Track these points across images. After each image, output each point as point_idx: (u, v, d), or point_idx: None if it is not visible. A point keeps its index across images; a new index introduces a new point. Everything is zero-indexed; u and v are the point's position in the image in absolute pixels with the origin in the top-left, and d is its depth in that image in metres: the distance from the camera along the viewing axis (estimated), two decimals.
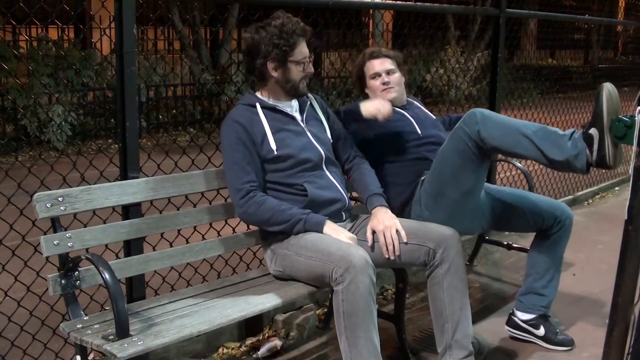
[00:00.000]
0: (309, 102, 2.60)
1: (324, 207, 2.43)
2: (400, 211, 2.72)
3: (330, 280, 2.14)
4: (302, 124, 2.52)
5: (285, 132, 2.44)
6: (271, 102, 2.49)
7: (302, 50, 2.43)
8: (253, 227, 2.62)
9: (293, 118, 2.51)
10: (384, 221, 2.42)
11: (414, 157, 2.82)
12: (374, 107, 2.73)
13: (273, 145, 2.39)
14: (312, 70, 2.49)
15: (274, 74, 2.43)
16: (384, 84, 2.91)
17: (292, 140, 2.44)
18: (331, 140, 2.61)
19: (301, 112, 2.55)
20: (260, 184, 2.39)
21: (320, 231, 2.32)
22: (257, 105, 2.45)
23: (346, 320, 2.11)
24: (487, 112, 2.49)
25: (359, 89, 3.04)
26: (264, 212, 2.33)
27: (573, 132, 2.39)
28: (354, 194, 2.81)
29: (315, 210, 2.40)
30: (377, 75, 2.92)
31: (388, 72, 2.92)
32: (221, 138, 2.42)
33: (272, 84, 2.47)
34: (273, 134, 2.40)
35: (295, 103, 2.55)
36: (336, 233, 2.31)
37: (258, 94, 2.52)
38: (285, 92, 2.48)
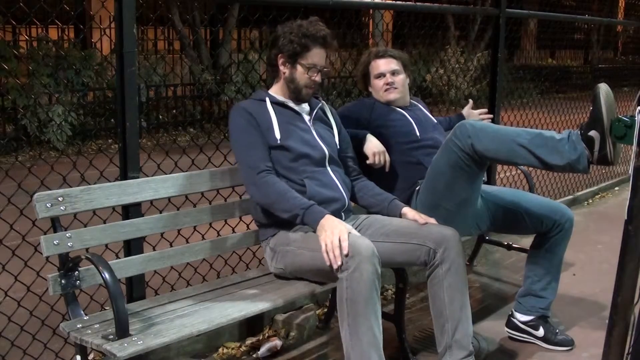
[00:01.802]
0: (320, 105, 2.63)
1: (323, 205, 2.42)
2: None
3: (336, 269, 2.14)
4: (308, 122, 2.54)
5: (291, 126, 2.47)
6: (281, 98, 2.52)
7: (314, 57, 2.46)
8: (253, 227, 2.62)
9: (300, 115, 2.53)
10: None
11: (409, 160, 2.82)
12: (370, 151, 2.73)
13: (277, 135, 2.42)
14: (319, 80, 2.50)
15: (282, 69, 2.49)
16: (387, 84, 2.91)
17: (297, 133, 2.46)
18: (338, 145, 2.61)
19: (311, 112, 2.58)
20: (272, 167, 2.40)
21: (315, 228, 2.24)
22: (267, 99, 2.50)
23: (349, 308, 2.11)
24: (477, 123, 2.47)
25: (363, 86, 3.04)
26: (271, 194, 2.33)
27: (569, 134, 2.37)
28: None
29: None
30: (381, 75, 2.93)
31: (393, 73, 2.92)
32: (229, 125, 2.44)
33: (280, 80, 2.52)
34: (279, 124, 2.44)
35: (305, 104, 2.58)
36: (332, 228, 2.18)
37: (270, 91, 2.55)
38: (290, 92, 2.51)
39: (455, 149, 2.45)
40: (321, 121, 2.60)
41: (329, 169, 2.51)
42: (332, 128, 2.63)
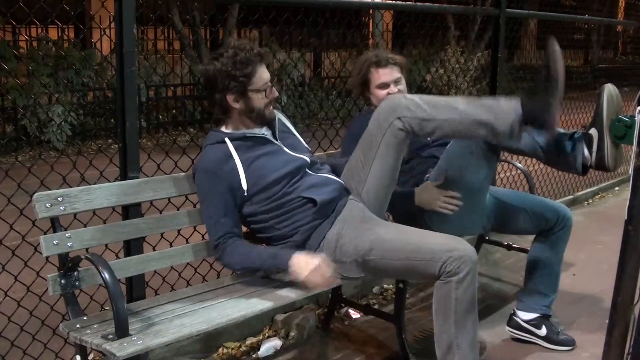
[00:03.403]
0: (277, 118, 2.51)
1: (332, 202, 2.39)
2: (404, 214, 2.72)
3: (438, 274, 2.17)
4: (276, 142, 2.45)
5: (261, 159, 2.35)
6: (240, 132, 2.39)
7: (262, 76, 2.34)
8: None
9: (266, 139, 2.43)
10: None
11: (419, 154, 2.83)
12: (430, 205, 2.61)
13: (244, 186, 2.31)
14: (277, 94, 2.41)
15: (236, 105, 2.35)
16: (388, 94, 2.89)
17: (271, 162, 2.36)
18: (309, 148, 2.58)
19: (272, 130, 2.47)
20: (236, 231, 2.34)
21: (287, 268, 2.21)
22: (226, 139, 2.36)
23: (457, 306, 2.18)
24: None
25: (359, 93, 2.98)
26: (235, 263, 2.32)
27: (574, 133, 2.42)
28: None
29: (330, 207, 2.36)
30: (384, 85, 2.84)
31: (396, 82, 2.85)
32: (196, 186, 2.36)
33: (235, 115, 2.39)
34: (246, 169, 2.32)
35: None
36: (305, 267, 2.17)
37: (223, 128, 2.43)
38: (252, 121, 2.40)
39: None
40: (285, 133, 2.53)
41: (312, 171, 2.46)
42: (295, 134, 2.58)
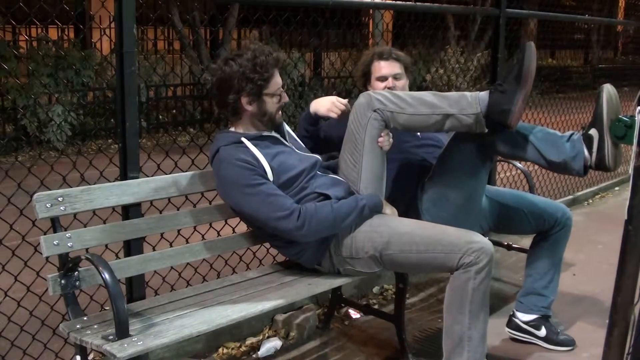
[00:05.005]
0: (283, 124, 2.55)
1: (343, 199, 2.41)
2: (403, 216, 2.72)
3: (457, 266, 2.20)
4: (287, 143, 2.49)
5: (279, 157, 2.37)
6: (254, 133, 2.41)
7: (277, 81, 2.37)
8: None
9: (278, 138, 2.46)
10: None
11: (411, 158, 2.82)
12: (325, 108, 2.67)
13: (270, 177, 2.31)
14: (287, 99, 2.43)
15: (249, 108, 2.36)
16: (388, 88, 2.88)
17: (289, 160, 2.39)
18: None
19: (281, 134, 2.51)
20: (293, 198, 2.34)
21: (380, 210, 2.39)
22: (243, 139, 2.35)
23: (473, 296, 2.20)
24: None
25: (362, 85, 3.01)
26: (325, 219, 2.27)
27: (572, 134, 2.42)
28: None
29: None
30: (383, 78, 2.85)
31: (395, 77, 2.85)
32: (230, 183, 2.29)
33: (246, 118, 2.40)
34: (269, 162, 2.32)
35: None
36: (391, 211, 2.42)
37: (233, 130, 2.44)
38: (263, 124, 2.42)
39: (465, 136, 2.49)
40: (292, 138, 2.57)
41: (321, 172, 2.49)
42: (298, 140, 2.61)
